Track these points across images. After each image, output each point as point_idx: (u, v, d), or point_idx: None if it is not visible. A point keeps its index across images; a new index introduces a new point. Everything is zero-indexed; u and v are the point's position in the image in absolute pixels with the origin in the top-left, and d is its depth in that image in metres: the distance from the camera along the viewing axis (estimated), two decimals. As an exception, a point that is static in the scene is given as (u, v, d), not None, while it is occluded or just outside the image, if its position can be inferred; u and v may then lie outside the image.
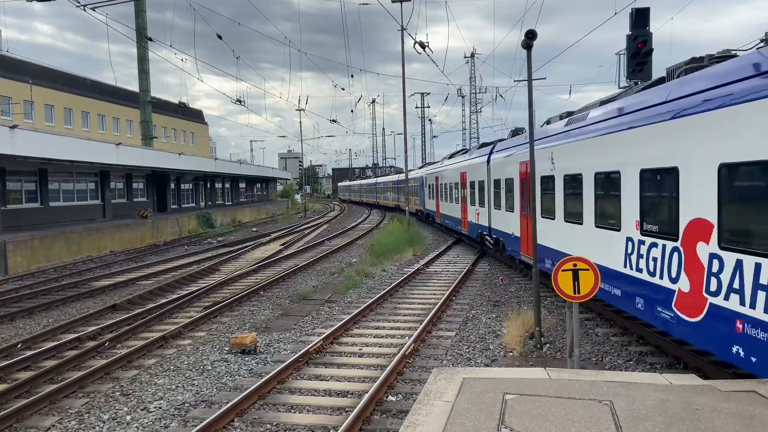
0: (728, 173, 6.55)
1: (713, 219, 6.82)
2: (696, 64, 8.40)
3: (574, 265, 7.67)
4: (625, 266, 9.28)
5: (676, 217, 6.77)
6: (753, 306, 6.20)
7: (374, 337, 11.33)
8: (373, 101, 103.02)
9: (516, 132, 19.30)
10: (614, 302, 9.91)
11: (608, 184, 9.91)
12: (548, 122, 15.60)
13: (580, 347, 9.73)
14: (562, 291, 7.71)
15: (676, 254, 7.69)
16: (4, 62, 39.38)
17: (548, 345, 10.30)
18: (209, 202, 53.96)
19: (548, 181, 13.16)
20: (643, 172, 8.62)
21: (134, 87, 42.39)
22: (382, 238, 26.04)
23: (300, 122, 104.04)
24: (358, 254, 24.52)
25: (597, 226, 10.32)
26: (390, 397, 8.08)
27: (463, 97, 70.08)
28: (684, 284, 7.47)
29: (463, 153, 26.90)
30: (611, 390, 5.63)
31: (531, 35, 9.75)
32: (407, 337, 10.97)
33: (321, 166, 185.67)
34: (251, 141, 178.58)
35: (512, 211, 16.54)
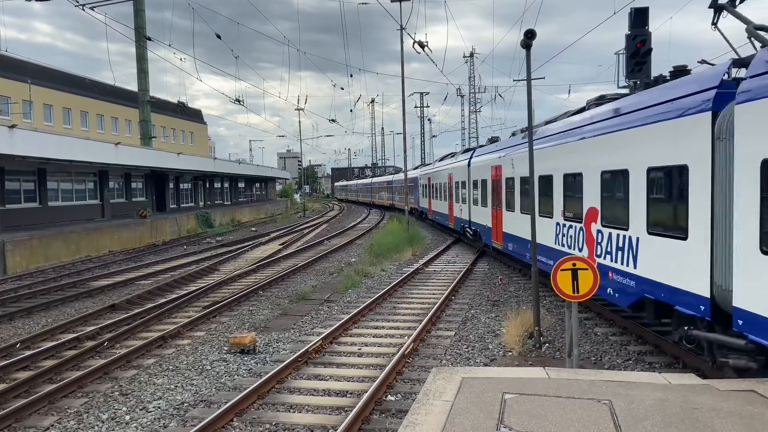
0: (604, 176, 10.22)
1: (599, 207, 10.45)
2: (599, 100, 12.07)
3: (573, 264, 7.68)
4: (555, 243, 12.81)
5: (581, 207, 9.11)
6: (615, 261, 9.87)
7: (373, 336, 11.33)
8: (373, 101, 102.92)
9: (492, 140, 22.30)
10: (548, 270, 12.02)
11: (547, 185, 13.22)
12: (513, 134, 18.09)
13: (579, 347, 9.73)
14: (561, 290, 7.71)
15: (581, 232, 11.24)
16: (2, 62, 39.33)
17: (547, 344, 10.30)
18: (208, 202, 53.94)
19: (511, 182, 16.20)
20: (565, 176, 12.10)
21: (133, 86, 42.39)
22: (381, 237, 26.04)
23: (299, 122, 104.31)
24: (358, 254, 24.52)
25: (540, 215, 13.29)
26: (389, 397, 8.08)
27: (462, 96, 70.11)
28: (585, 251, 11.12)
29: (451, 156, 29.36)
30: (610, 389, 5.63)
31: (530, 35, 9.75)
32: (406, 337, 10.97)
33: (320, 165, 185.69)
34: (250, 140, 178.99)
35: (486, 207, 19.59)
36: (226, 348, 10.78)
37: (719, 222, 7.09)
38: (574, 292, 7.68)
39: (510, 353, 10.01)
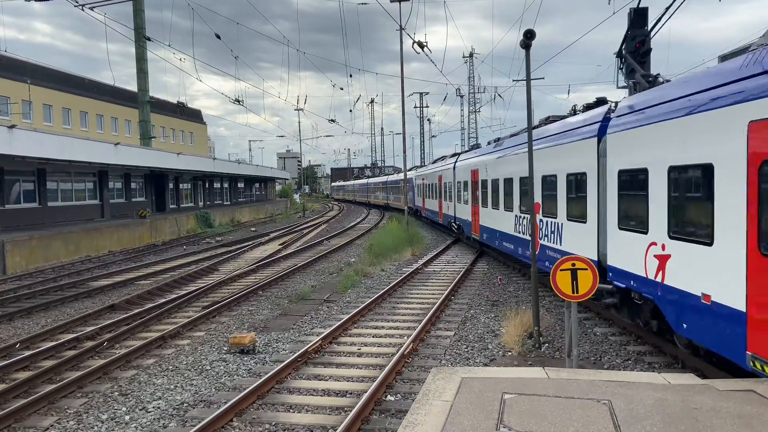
0: (544, 180, 13.31)
1: (541, 202, 13.66)
2: (546, 120, 15.15)
3: (573, 264, 7.69)
4: (514, 231, 15.92)
5: (531, 202, 10.73)
6: (549, 241, 13.17)
7: (373, 336, 11.33)
8: (372, 101, 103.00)
9: (474, 146, 26.17)
10: (508, 251, 16.82)
11: (509, 185, 16.33)
12: (488, 143, 21.46)
13: (579, 347, 9.74)
14: (561, 290, 7.72)
15: (530, 221, 12.95)
16: (2, 62, 39.32)
17: (547, 344, 10.31)
18: (208, 202, 53.93)
19: (485, 183, 19.62)
20: (521, 179, 15.08)
21: (133, 87, 42.37)
22: (380, 237, 26.03)
23: (299, 122, 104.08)
24: (357, 254, 24.52)
25: (504, 210, 16.86)
26: (389, 397, 8.09)
27: (461, 96, 70.13)
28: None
29: (441, 160, 32.38)
30: (610, 389, 5.64)
31: (529, 35, 9.75)
32: (406, 337, 10.97)
33: (320, 165, 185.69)
34: (250, 141, 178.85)
35: (467, 204, 22.84)
36: (225, 348, 10.78)
37: (602, 211, 10.27)
38: (573, 292, 7.69)
39: (509, 353, 10.01)
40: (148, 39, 28.89)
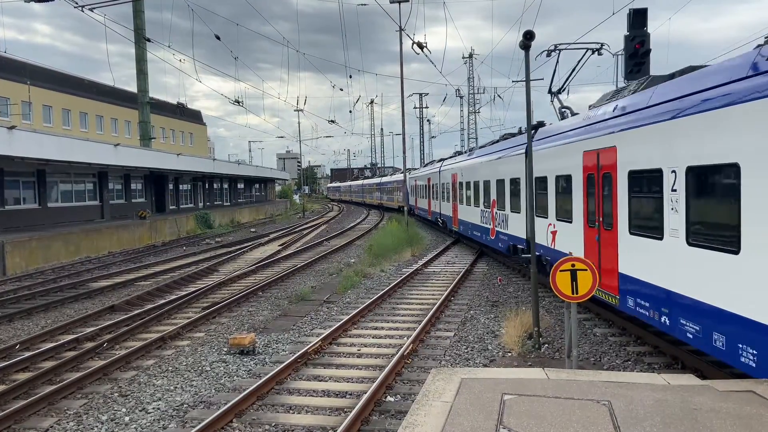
0: (496, 183, 17.38)
1: (495, 199, 17.84)
2: (503, 137, 19.97)
3: (573, 265, 7.69)
4: (480, 222, 20.51)
5: (489, 199, 15.14)
6: (501, 228, 17.23)
7: (373, 337, 11.33)
8: (372, 102, 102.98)
9: (457, 153, 30.14)
10: (476, 239, 21.65)
11: (476, 187, 20.91)
12: (466, 152, 26.83)
13: (579, 347, 9.74)
14: (560, 291, 7.72)
15: (490, 214, 18.48)
16: (1, 63, 39.33)
17: (546, 345, 10.31)
18: (208, 203, 53.94)
19: (462, 184, 23.97)
20: (484, 182, 19.62)
21: (133, 87, 42.37)
22: (380, 238, 26.04)
23: (299, 123, 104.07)
24: (357, 254, 24.52)
25: (474, 206, 21.41)
26: (389, 398, 8.09)
27: (461, 97, 70.12)
28: (491, 224, 18.69)
29: (431, 164, 36.85)
30: (609, 390, 5.64)
31: (529, 36, 9.76)
32: (406, 338, 10.98)
33: (319, 166, 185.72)
34: (249, 141, 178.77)
35: (449, 202, 27.05)
36: (225, 349, 10.79)
37: (528, 205, 12.33)
38: (573, 293, 7.69)
39: (509, 354, 10.01)
40: (148, 40, 28.90)
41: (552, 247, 13.03)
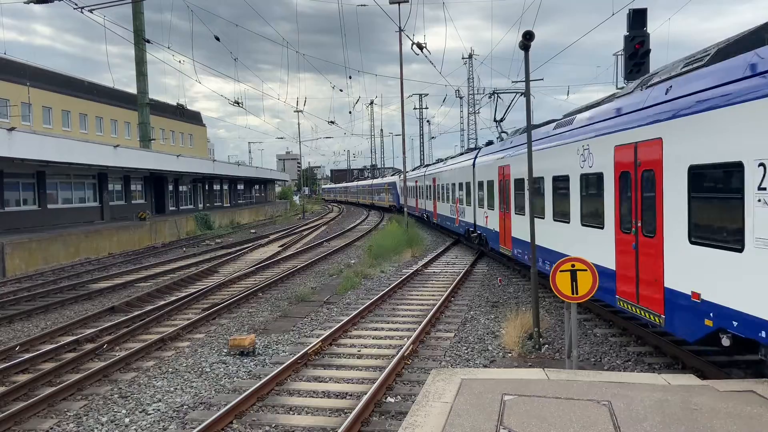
0: (459, 185, 24.35)
1: (459, 197, 24.63)
2: (466, 148, 39.44)
3: (573, 265, 7.68)
4: (449, 214, 27.08)
5: (454, 197, 23.68)
6: (462, 218, 24.16)
7: (373, 338, 11.33)
8: (372, 102, 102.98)
9: (439, 160, 36.09)
10: (447, 227, 28.25)
11: (447, 188, 27.26)
12: (441, 160, 33.74)
13: (579, 348, 9.73)
14: (560, 292, 7.72)
15: (455, 208, 25.51)
16: (1, 64, 39.33)
17: (547, 345, 10.31)
18: (207, 204, 53.92)
19: (441, 186, 29.70)
20: (451, 185, 26.35)
21: (133, 89, 42.37)
22: (380, 239, 26.03)
23: (298, 124, 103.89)
24: (357, 255, 24.51)
25: (445, 203, 27.61)
26: (389, 399, 8.08)
27: (461, 98, 70.12)
28: (456, 216, 25.47)
29: (419, 168, 44.32)
30: (609, 390, 5.64)
31: (528, 36, 9.75)
32: (406, 339, 10.97)
33: (319, 167, 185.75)
34: (249, 143, 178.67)
35: (431, 200, 33.63)
36: (225, 350, 10.78)
37: (475, 201, 20.94)
38: (573, 294, 7.69)
39: (509, 354, 10.00)
40: (148, 41, 28.88)
41: (485, 226, 20.31)
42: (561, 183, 12.29)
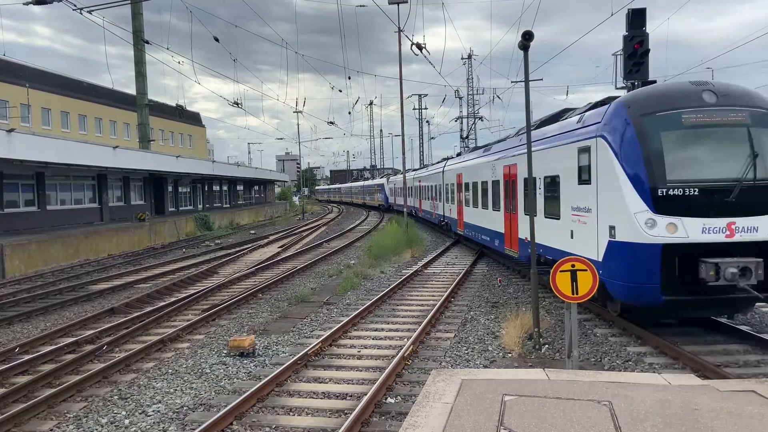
0: (436, 186, 31.27)
1: (434, 196, 32.36)
2: (441, 160, 36.00)
3: (573, 266, 7.68)
4: (430, 209, 34.20)
5: (432, 196, 31.91)
6: (436, 211, 32.00)
7: (373, 339, 11.32)
8: (371, 103, 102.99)
9: (423, 166, 44.57)
10: (428, 219, 35.79)
11: (428, 189, 34.63)
12: (423, 167, 43.05)
13: (579, 348, 9.72)
14: (561, 292, 7.71)
15: (433, 204, 32.82)
16: (0, 65, 39.31)
17: (547, 346, 10.30)
18: (207, 205, 53.90)
19: (423, 187, 36.43)
20: (429, 186, 34.07)
21: (132, 90, 42.35)
22: (380, 239, 26.02)
23: (298, 124, 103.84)
24: (357, 256, 24.51)
25: (428, 200, 34.90)
26: (389, 399, 8.07)
27: (460, 98, 70.12)
28: (434, 210, 32.86)
29: (409, 171, 51.74)
30: (610, 390, 5.63)
31: (528, 36, 9.75)
32: (406, 339, 10.96)
33: (319, 168, 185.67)
34: (249, 143, 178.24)
35: (417, 198, 40.41)
36: (225, 351, 10.77)
37: (444, 198, 28.35)
38: (573, 294, 7.68)
39: (510, 355, 10.00)
40: (147, 42, 28.86)
41: (451, 216, 26.36)
42: (484, 185, 19.90)
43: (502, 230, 17.55)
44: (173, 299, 15.79)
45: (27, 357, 10.49)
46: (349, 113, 76.10)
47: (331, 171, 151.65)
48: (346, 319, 12.28)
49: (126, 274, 21.38)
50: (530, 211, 11.19)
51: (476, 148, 26.88)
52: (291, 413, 7.75)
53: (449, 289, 15.24)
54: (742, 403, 5.20)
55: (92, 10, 19.43)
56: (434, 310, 12.78)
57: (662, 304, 9.51)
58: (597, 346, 10.29)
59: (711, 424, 4.74)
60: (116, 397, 8.63)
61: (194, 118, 72.60)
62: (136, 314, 13.85)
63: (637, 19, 16.45)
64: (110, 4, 21.22)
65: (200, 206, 52.09)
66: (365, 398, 7.62)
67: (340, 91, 52.22)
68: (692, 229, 9.45)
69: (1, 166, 26.15)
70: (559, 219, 12.78)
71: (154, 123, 47.52)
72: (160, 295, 16.91)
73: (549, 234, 13.36)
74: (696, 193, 9.56)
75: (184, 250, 30.07)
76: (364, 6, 33.70)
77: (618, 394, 5.52)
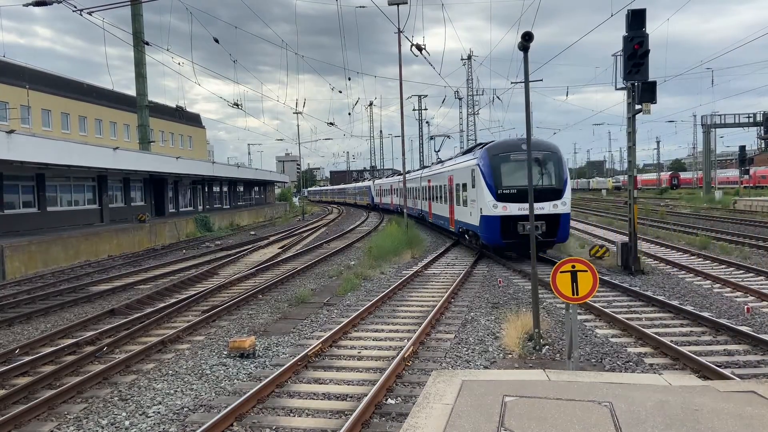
0: (415, 188, 39.27)
1: (415, 195, 39.48)
2: (392, 171, 73.43)
3: (573, 266, 7.68)
4: (413, 205, 39.87)
5: (414, 195, 38.79)
6: (415, 206, 39.31)
7: (373, 340, 11.31)
8: (371, 104, 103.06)
9: (422, 167, 43.70)
10: (396, 210, 46.39)
11: (412, 190, 40.61)
12: (401, 172, 44.38)
13: (580, 348, 9.73)
14: (561, 292, 7.71)
15: (414, 201, 39.38)
16: (0, 67, 39.32)
17: (547, 346, 10.29)
18: (207, 206, 53.90)
19: (390, 190, 52.84)
20: (414, 188, 39.94)
21: (132, 91, 42.34)
22: (380, 240, 26.00)
23: (297, 125, 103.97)
24: (357, 257, 24.50)
25: (410, 199, 40.50)
26: (389, 400, 8.07)
27: (460, 99, 70.16)
28: (414, 206, 39.35)
29: (389, 176, 61.62)
30: (611, 391, 5.63)
31: (527, 37, 9.76)
32: (406, 340, 10.95)
33: (319, 169, 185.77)
34: (249, 144, 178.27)
35: (399, 197, 44.04)
36: (225, 352, 10.76)
37: (421, 197, 36.45)
38: (573, 294, 7.68)
39: (510, 355, 9.99)
40: (147, 43, 28.89)
41: (425, 209, 32.59)
42: (441, 188, 28.35)
43: (448, 216, 27.08)
44: (173, 300, 15.78)
45: (27, 358, 10.48)
46: (349, 114, 76.34)
47: (331, 172, 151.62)
48: (346, 320, 12.28)
49: (126, 275, 21.38)
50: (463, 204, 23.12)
51: (439, 161, 33.62)
52: (291, 414, 7.75)
53: (449, 290, 15.23)
54: (742, 404, 5.20)
55: (92, 11, 19.45)
56: (434, 311, 12.77)
57: (503, 244, 19.82)
58: (597, 346, 10.28)
59: (712, 424, 4.74)
60: (116, 398, 8.62)
61: (194, 120, 72.61)
62: (136, 315, 13.85)
63: (636, 19, 16.44)
64: (110, 5, 21.23)
65: (200, 207, 52.08)
66: (365, 399, 7.61)
67: (340, 92, 52.68)
68: (513, 209, 19.07)
69: (2, 167, 26.15)
70: (466, 206, 22.56)
71: (154, 124, 47.54)
72: (160, 296, 16.91)
73: (463, 214, 23.36)
74: (515, 192, 19.18)
75: (184, 251, 30.06)
76: (363, 7, 33.72)
77: (619, 394, 5.51)
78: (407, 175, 40.09)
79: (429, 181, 32.19)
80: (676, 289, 15.17)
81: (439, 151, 41.79)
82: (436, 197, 29.99)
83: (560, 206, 19.36)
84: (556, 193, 19.37)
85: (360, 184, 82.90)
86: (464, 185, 22.50)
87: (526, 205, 11.56)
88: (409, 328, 12.03)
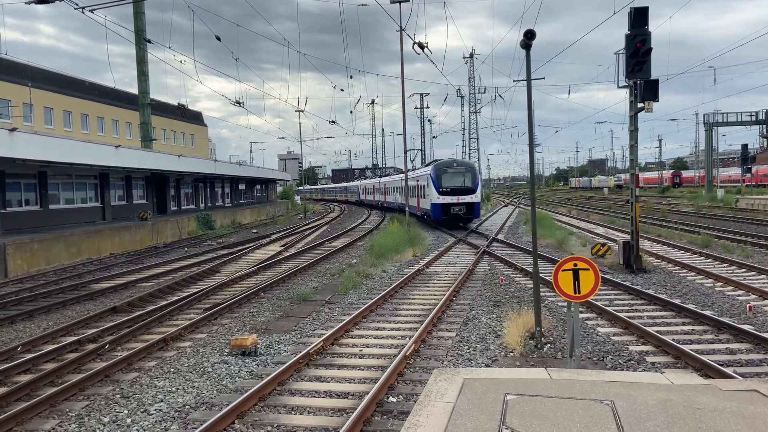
0: (397, 187, 50.80)
1: (398, 192, 48.34)
2: (413, 169, 54.41)
3: (575, 264, 7.66)
4: (383, 200, 57.70)
5: (384, 194, 56.43)
6: (395, 201, 50.65)
7: (375, 338, 11.32)
8: (373, 102, 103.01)
9: (425, 165, 48.81)
10: (379, 205, 61.70)
11: (381, 189, 60.16)
12: (387, 174, 66.53)
13: (581, 347, 9.72)
14: (563, 291, 7.70)
15: (394, 197, 51.19)
16: (3, 65, 39.37)
17: (549, 345, 10.28)
18: (209, 204, 53.93)
19: (372, 189, 66.18)
20: (397, 187, 50.00)
21: (135, 89, 42.34)
22: (381, 238, 26.00)
23: (299, 123, 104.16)
24: (358, 255, 24.50)
25: (390, 195, 53.40)
26: (391, 398, 8.07)
27: (462, 97, 70.12)
28: (394, 201, 50.92)
29: (373, 178, 72.52)
30: (612, 390, 5.62)
31: (530, 35, 9.74)
32: (408, 338, 10.95)
33: (321, 167, 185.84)
34: (251, 142, 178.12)
35: (382, 195, 57.99)
36: (227, 350, 10.77)
37: (405, 193, 36.75)
38: (575, 293, 7.67)
39: (511, 354, 9.99)
40: (149, 41, 28.87)
41: (406, 203, 34.48)
42: (416, 188, 40.51)
43: (416, 205, 40.37)
44: (175, 298, 15.80)
45: (29, 356, 10.50)
46: (351, 112, 76.64)
47: (332, 170, 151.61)
48: (347, 318, 12.28)
49: (128, 273, 21.41)
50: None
51: (414, 168, 46.46)
52: (293, 412, 7.75)
53: (451, 288, 15.23)
54: (744, 403, 5.18)
55: (94, 9, 19.45)
56: (436, 309, 12.77)
57: (442, 219, 33.95)
58: (599, 345, 10.27)
59: (714, 423, 4.73)
60: (118, 395, 8.64)
61: (196, 118, 72.63)
62: (138, 313, 13.87)
63: (639, 17, 16.39)
64: (112, 3, 21.23)
65: (202, 205, 52.12)
66: (367, 397, 7.61)
67: (342, 90, 52.43)
68: (448, 200, 33.56)
69: (4, 165, 26.19)
70: (424, 198, 36.71)
71: (156, 122, 47.55)
72: (162, 294, 16.93)
73: (424, 203, 36.35)
74: (449, 190, 33.64)
75: (186, 249, 30.09)
76: (365, 5, 33.66)
77: (620, 393, 5.50)
78: (390, 178, 54.54)
79: (406, 183, 41.39)
80: (677, 288, 15.16)
81: (414, 160, 54.74)
82: (414, 194, 42.36)
83: (474, 198, 33.85)
84: (472, 191, 33.86)
85: (349, 183, 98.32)
86: (424, 186, 37.00)
87: (455, 197, 33.47)
88: (410, 326, 12.03)
